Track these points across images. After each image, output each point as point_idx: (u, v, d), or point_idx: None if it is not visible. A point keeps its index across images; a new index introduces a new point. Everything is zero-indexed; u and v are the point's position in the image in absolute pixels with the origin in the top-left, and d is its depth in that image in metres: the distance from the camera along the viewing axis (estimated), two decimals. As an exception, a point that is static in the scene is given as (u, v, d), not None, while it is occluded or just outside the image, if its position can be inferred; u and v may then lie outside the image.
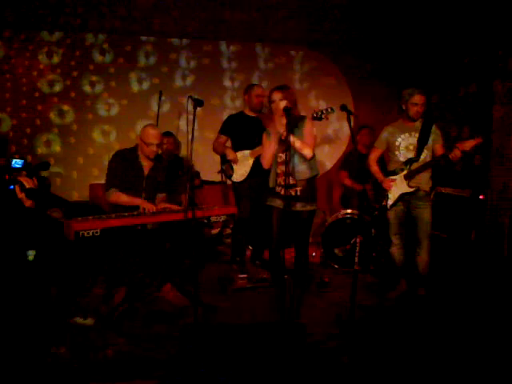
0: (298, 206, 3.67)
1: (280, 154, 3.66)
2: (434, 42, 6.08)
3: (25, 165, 3.27)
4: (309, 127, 3.65)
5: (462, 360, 3.03)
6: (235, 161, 4.69)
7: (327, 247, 5.01)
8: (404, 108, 4.00)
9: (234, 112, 5.22)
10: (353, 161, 5.15)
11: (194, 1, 5.28)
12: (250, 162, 4.65)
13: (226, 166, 4.82)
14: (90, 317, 3.47)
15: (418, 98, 3.93)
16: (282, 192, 3.63)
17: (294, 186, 3.64)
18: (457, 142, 3.87)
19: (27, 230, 3.11)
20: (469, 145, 3.78)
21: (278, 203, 3.71)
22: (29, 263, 3.29)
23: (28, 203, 3.05)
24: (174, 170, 5.13)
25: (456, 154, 3.79)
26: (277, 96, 3.59)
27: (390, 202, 4.08)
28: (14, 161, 3.23)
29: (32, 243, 3.39)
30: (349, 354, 3.05)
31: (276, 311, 3.66)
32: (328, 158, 6.85)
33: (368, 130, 5.19)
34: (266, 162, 3.76)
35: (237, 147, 4.75)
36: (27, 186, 3.03)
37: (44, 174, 5.80)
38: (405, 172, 4.01)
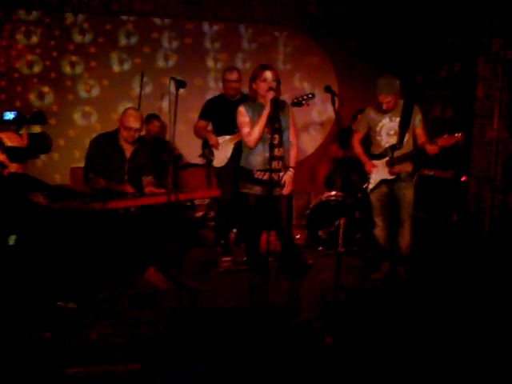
0: (279, 190, 3.63)
1: (268, 136, 3.56)
2: (417, 21, 6.05)
3: (17, 117, 2.71)
4: (292, 114, 3.65)
5: (443, 340, 3.08)
6: (216, 146, 4.65)
7: (311, 229, 5.02)
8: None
9: (217, 93, 5.17)
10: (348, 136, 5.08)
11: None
12: (231, 147, 4.61)
13: (207, 150, 4.80)
14: (73, 301, 3.45)
15: (382, 98, 3.89)
16: (265, 177, 3.57)
17: (279, 170, 3.61)
18: (437, 136, 3.84)
19: (6, 213, 2.96)
20: (448, 141, 3.76)
21: (256, 189, 3.61)
22: (9, 248, 3.23)
23: (13, 167, 2.46)
24: (157, 152, 5.08)
25: (433, 148, 3.79)
26: (268, 75, 3.54)
27: (370, 186, 4.11)
28: (5, 113, 2.67)
29: (12, 228, 3.32)
30: (332, 335, 3.08)
31: (258, 295, 3.67)
32: (311, 142, 6.83)
33: None
34: (254, 140, 3.52)
35: (217, 132, 4.72)
36: (8, 144, 2.44)
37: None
38: (387, 159, 4.01)
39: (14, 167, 2.49)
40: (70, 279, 3.72)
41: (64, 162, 6.11)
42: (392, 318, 3.39)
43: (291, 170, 3.61)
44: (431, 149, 3.80)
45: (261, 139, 3.52)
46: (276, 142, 3.47)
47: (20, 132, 2.53)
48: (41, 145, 2.72)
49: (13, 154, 2.44)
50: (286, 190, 3.57)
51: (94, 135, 4.11)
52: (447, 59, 5.75)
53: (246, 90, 3.93)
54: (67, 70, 6.15)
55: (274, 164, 3.45)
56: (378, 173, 4.05)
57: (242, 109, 3.61)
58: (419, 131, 3.98)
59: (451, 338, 3.10)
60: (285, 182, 3.58)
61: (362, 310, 3.57)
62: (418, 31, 6.12)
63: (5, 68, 5.95)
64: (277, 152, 3.49)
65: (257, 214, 3.67)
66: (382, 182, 4.05)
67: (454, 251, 4.71)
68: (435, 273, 4.31)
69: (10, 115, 2.62)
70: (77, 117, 6.22)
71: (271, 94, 3.42)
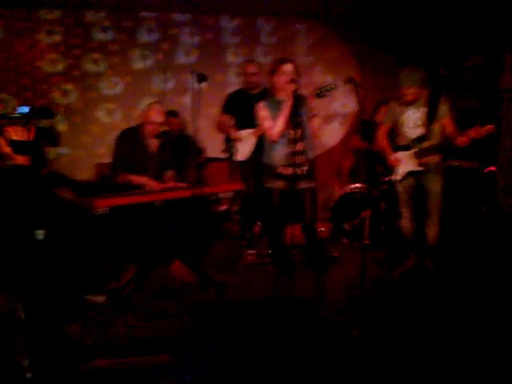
0: (303, 184, 3.61)
1: (290, 131, 3.56)
2: (441, 11, 5.95)
3: (30, 112, 2.76)
4: (311, 106, 3.62)
5: (470, 336, 3.03)
6: (239, 139, 4.65)
7: (336, 222, 4.99)
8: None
9: (238, 88, 5.16)
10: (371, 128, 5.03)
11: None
12: (253, 140, 4.60)
13: (230, 145, 4.80)
14: (102, 294, 3.49)
15: (405, 91, 3.82)
16: (289, 172, 3.55)
17: (301, 165, 3.57)
18: (464, 128, 3.77)
19: (36, 209, 3.02)
20: (480, 133, 3.67)
21: (280, 184, 3.62)
22: (38, 242, 3.28)
23: (19, 159, 2.56)
24: (180, 148, 5.09)
25: (463, 140, 3.71)
26: (288, 67, 3.52)
27: (398, 178, 4.05)
28: (19, 108, 2.76)
29: (41, 223, 3.37)
30: (358, 327, 3.06)
31: (284, 287, 3.67)
32: (334, 134, 6.77)
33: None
34: (277, 133, 3.53)
35: (240, 125, 4.72)
36: (14, 138, 2.51)
37: (51, 154, 5.81)
38: (415, 150, 3.95)
39: (19, 159, 2.52)
40: (96, 273, 3.77)
41: (89, 159, 6.17)
42: (418, 312, 3.35)
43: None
44: (461, 140, 3.72)
45: (284, 134, 3.51)
46: (297, 136, 3.45)
47: (31, 127, 2.58)
48: (47, 138, 2.81)
49: (17, 146, 2.45)
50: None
51: (117, 132, 4.13)
52: (471, 50, 5.63)
53: (266, 83, 3.93)
54: (90, 67, 6.21)
55: (297, 159, 3.43)
56: (406, 164, 3.99)
57: (261, 104, 3.64)
58: (447, 121, 3.90)
59: (478, 334, 3.05)
60: (308, 174, 3.56)
61: (388, 303, 3.53)
62: (441, 22, 6.01)
63: (29, 67, 6.03)
64: (298, 146, 3.47)
65: (281, 209, 3.68)
66: (410, 173, 3.99)
67: (483, 243, 4.63)
68: (463, 266, 4.24)
69: (24, 109, 2.68)
70: (100, 114, 6.27)
71: (293, 86, 3.41)
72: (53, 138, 2.78)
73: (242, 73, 4.76)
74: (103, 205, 3.36)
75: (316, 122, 3.59)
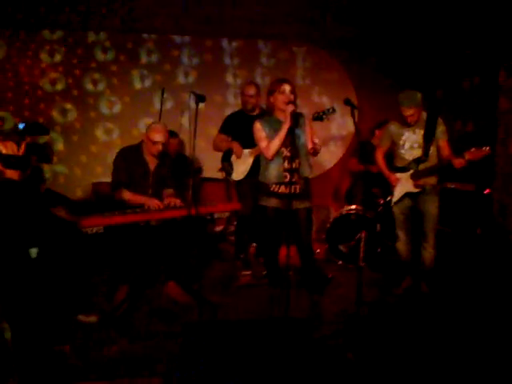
0: (298, 204, 3.62)
1: (285, 149, 3.59)
2: (437, 34, 6.03)
3: (24, 128, 2.86)
4: (310, 123, 3.66)
5: (465, 357, 3.00)
6: (239, 154, 4.66)
7: (332, 243, 4.98)
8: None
9: (236, 109, 5.20)
10: (368, 150, 5.05)
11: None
12: (250, 160, 4.62)
13: (226, 164, 4.82)
14: (94, 314, 3.46)
15: (405, 111, 3.86)
16: (281, 190, 3.56)
17: (295, 183, 3.58)
18: (461, 150, 3.80)
19: (30, 227, 3.01)
20: (476, 155, 3.71)
21: (274, 202, 3.63)
22: (32, 261, 3.26)
23: (8, 173, 2.59)
24: (178, 167, 5.11)
25: (460, 162, 3.74)
26: (286, 88, 3.55)
27: (394, 199, 4.06)
28: (20, 125, 2.85)
29: (35, 241, 3.35)
30: (354, 350, 3.03)
31: (279, 308, 3.64)
32: (331, 156, 6.80)
33: None
34: (272, 152, 3.55)
35: None
36: (3, 152, 2.56)
37: (47, 172, 5.82)
38: (412, 171, 3.97)
39: (9, 173, 2.61)
40: (90, 293, 3.74)
41: (86, 178, 6.18)
42: (413, 334, 3.32)
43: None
44: (458, 162, 3.75)
45: (277, 153, 3.54)
46: (292, 154, 3.46)
47: (23, 142, 2.66)
48: (40, 154, 2.85)
49: (7, 161, 2.56)
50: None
51: (115, 151, 4.15)
52: (467, 72, 5.69)
53: (265, 104, 3.95)
54: (89, 87, 6.27)
55: (291, 177, 3.44)
56: (402, 186, 4.00)
57: (258, 124, 3.65)
58: (443, 143, 3.93)
59: (474, 355, 3.02)
60: (302, 193, 3.56)
61: (384, 325, 3.50)
62: (437, 45, 6.09)
63: (29, 86, 6.09)
64: (293, 165, 3.48)
65: (275, 228, 3.66)
66: (406, 195, 4.00)
67: (478, 266, 4.61)
68: (458, 288, 4.22)
69: (21, 125, 2.77)
70: (99, 133, 6.31)
71: (291, 108, 3.43)
72: (45, 154, 2.81)
73: (241, 94, 4.80)
74: (97, 223, 3.35)
75: (317, 140, 3.61)
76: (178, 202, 3.89)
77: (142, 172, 3.98)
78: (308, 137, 3.66)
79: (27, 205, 2.78)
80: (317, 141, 3.61)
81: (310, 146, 3.63)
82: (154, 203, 3.79)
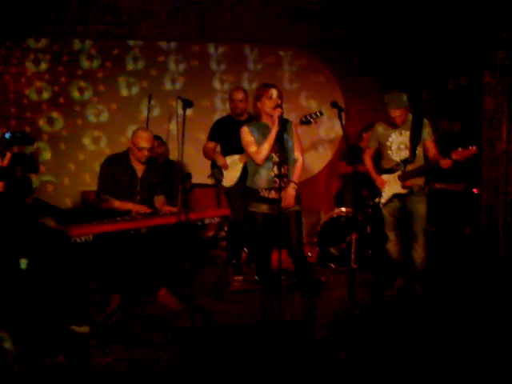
0: (287, 208, 3.60)
1: (274, 155, 3.57)
2: (421, 35, 6.08)
3: (9, 138, 2.75)
4: (296, 131, 3.65)
5: (459, 358, 3.01)
6: (225, 166, 4.66)
7: (323, 246, 4.99)
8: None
9: (224, 114, 5.19)
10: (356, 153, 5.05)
11: (180, 3, 5.27)
12: (240, 166, 4.61)
13: (216, 170, 4.81)
14: (86, 324, 3.43)
15: (392, 112, 3.90)
16: (272, 195, 3.55)
17: (285, 188, 3.54)
18: (447, 150, 3.83)
19: (17, 238, 2.97)
20: (462, 155, 3.75)
21: (263, 208, 3.59)
22: (21, 271, 3.22)
23: None
24: (167, 173, 5.10)
25: (447, 162, 3.78)
26: (273, 92, 3.55)
27: (382, 201, 4.08)
28: (6, 134, 2.81)
29: (24, 251, 3.32)
30: (347, 351, 3.03)
31: (272, 313, 3.63)
32: (320, 159, 6.81)
33: None
34: (263, 157, 3.50)
35: (226, 152, 4.73)
36: None
37: (35, 182, 5.77)
38: (399, 173, 3.99)
39: None
40: (81, 302, 3.70)
41: (74, 186, 6.13)
42: (406, 335, 3.33)
43: (292, 184, 3.54)
44: (445, 163, 3.78)
45: (267, 158, 3.53)
46: (281, 160, 3.45)
47: (7, 152, 2.64)
48: (25, 164, 2.83)
49: None
50: (284, 204, 3.47)
51: (103, 159, 4.13)
52: (452, 73, 5.74)
53: (251, 110, 3.95)
54: (76, 95, 6.23)
55: (280, 182, 3.43)
56: (390, 187, 4.03)
57: (246, 128, 3.62)
58: (429, 144, 3.97)
59: (467, 355, 3.03)
60: (286, 198, 3.52)
61: (377, 327, 3.51)
62: (423, 45, 6.14)
63: (14, 95, 6.03)
64: (282, 170, 3.47)
65: (266, 233, 3.65)
66: (395, 196, 4.03)
67: (468, 266, 4.64)
68: (450, 288, 4.24)
69: (6, 135, 2.76)
70: (86, 141, 6.26)
71: (279, 112, 3.43)
72: (31, 164, 2.78)
73: (230, 99, 4.79)
74: (86, 232, 3.32)
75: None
76: (174, 209, 3.86)
77: (129, 179, 3.96)
78: (296, 143, 3.64)
79: (13, 216, 2.74)
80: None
81: (296, 153, 3.62)
82: (139, 208, 3.79)
